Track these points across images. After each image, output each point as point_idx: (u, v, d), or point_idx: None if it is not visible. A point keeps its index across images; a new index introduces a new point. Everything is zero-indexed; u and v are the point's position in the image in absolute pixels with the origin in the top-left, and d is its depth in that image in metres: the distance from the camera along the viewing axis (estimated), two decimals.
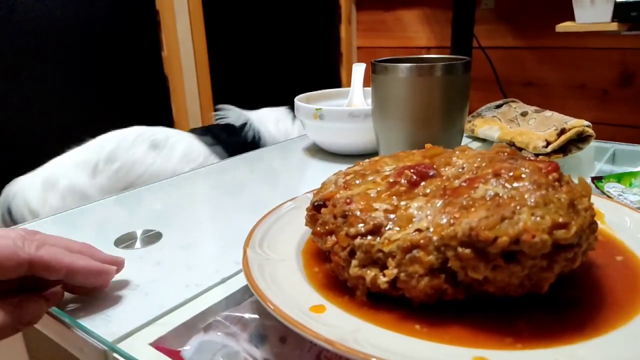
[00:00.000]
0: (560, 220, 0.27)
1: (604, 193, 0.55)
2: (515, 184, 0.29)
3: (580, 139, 0.65)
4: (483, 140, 0.76)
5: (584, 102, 1.63)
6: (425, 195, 0.32)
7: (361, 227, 0.31)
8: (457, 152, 0.37)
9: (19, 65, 1.16)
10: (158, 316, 0.35)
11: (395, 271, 0.30)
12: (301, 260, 0.37)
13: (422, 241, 0.29)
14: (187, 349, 0.33)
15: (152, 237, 0.47)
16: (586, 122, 0.65)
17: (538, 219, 0.27)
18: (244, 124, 1.08)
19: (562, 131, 0.64)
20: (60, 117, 1.25)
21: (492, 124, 0.74)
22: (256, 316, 0.35)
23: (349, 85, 0.83)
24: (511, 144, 0.68)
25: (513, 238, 0.26)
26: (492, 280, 0.28)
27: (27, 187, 0.80)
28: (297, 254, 0.38)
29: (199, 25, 1.52)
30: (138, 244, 0.46)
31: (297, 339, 0.32)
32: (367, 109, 0.66)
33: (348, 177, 0.37)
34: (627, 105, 1.56)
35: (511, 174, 0.30)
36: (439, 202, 0.31)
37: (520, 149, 0.66)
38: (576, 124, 0.64)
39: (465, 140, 0.77)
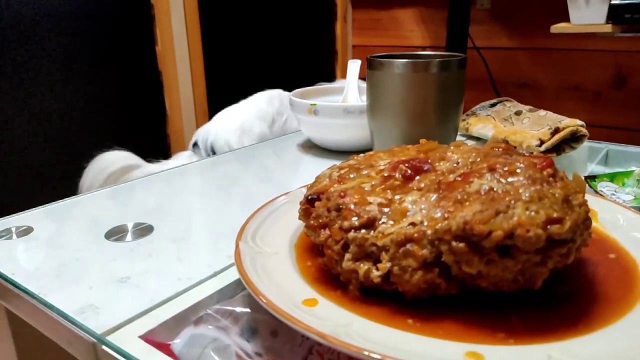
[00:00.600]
0: (555, 215, 0.27)
1: (597, 192, 0.55)
2: (510, 179, 0.29)
3: (573, 139, 0.66)
4: (477, 138, 0.76)
5: (578, 104, 1.63)
6: (419, 189, 0.32)
7: (355, 220, 0.31)
8: (452, 147, 0.37)
9: (10, 59, 1.14)
10: (148, 309, 0.34)
11: (388, 265, 0.29)
12: (294, 254, 0.37)
13: (416, 235, 0.29)
14: (177, 342, 0.32)
15: (143, 230, 0.46)
16: (580, 122, 0.65)
17: (532, 213, 0.26)
18: None
19: (556, 130, 0.64)
20: (52, 111, 1.24)
21: (487, 122, 0.74)
22: (247, 310, 0.34)
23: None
24: (505, 142, 0.68)
25: (507, 232, 0.26)
26: (486, 275, 0.28)
27: (226, 131, 1.07)
28: (290, 248, 0.37)
29: (193, 21, 1.51)
30: (129, 236, 0.45)
31: (289, 332, 0.32)
32: (362, 105, 0.65)
33: (342, 171, 0.37)
34: (620, 107, 1.56)
35: (506, 168, 0.30)
36: (434, 197, 0.31)
37: (514, 148, 0.66)
38: (570, 123, 0.64)
39: (459, 139, 0.77)
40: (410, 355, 0.25)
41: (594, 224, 0.39)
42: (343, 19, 2.03)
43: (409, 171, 0.34)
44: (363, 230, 0.31)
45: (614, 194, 0.55)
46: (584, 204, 0.29)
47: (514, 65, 1.71)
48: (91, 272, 0.39)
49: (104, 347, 0.31)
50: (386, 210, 0.31)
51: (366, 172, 0.36)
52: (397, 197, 0.32)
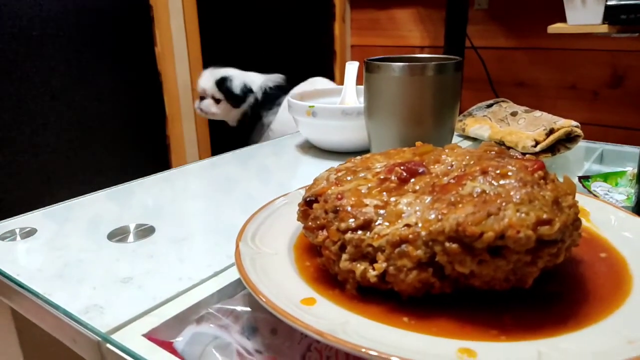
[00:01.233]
0: (545, 216, 0.28)
1: (590, 192, 0.56)
2: (501, 181, 0.30)
3: (568, 139, 0.67)
4: (474, 139, 0.77)
5: (575, 103, 1.64)
6: (414, 191, 0.33)
7: (352, 222, 0.32)
8: (446, 150, 0.38)
9: (10, 60, 1.15)
10: (151, 308, 0.35)
11: (384, 265, 0.30)
12: (293, 255, 0.37)
13: (410, 236, 0.30)
14: (179, 340, 0.33)
15: (145, 231, 0.47)
16: (575, 123, 0.66)
17: (523, 215, 0.27)
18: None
19: (551, 131, 0.65)
20: (51, 113, 1.25)
21: (483, 123, 0.75)
22: (248, 309, 0.35)
23: (342, 83, 0.84)
24: (501, 143, 0.69)
25: (498, 233, 0.27)
26: (478, 275, 0.29)
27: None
28: (289, 249, 0.38)
29: (192, 22, 1.52)
30: (131, 237, 0.46)
31: (288, 330, 0.33)
32: (360, 106, 0.66)
33: (340, 174, 0.38)
34: (616, 106, 1.57)
35: (498, 171, 0.31)
36: (428, 199, 0.32)
37: (510, 149, 0.67)
38: (565, 124, 0.65)
39: (456, 139, 0.78)
40: (405, 351, 0.26)
41: (586, 223, 0.40)
42: (341, 20, 2.04)
43: (405, 174, 0.35)
44: (360, 232, 0.32)
45: (607, 194, 0.56)
46: (573, 205, 0.30)
47: (512, 64, 1.72)
48: (94, 273, 0.40)
49: (108, 345, 0.32)
50: (382, 212, 0.32)
51: (363, 174, 0.37)
52: (392, 199, 0.33)
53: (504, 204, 0.28)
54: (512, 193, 0.29)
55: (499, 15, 1.71)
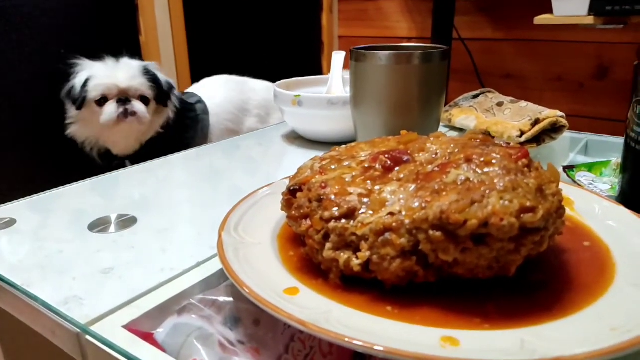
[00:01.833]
0: (528, 204, 0.27)
1: (575, 182, 0.56)
2: (485, 169, 0.30)
3: (553, 130, 0.67)
4: (460, 129, 0.77)
5: (561, 94, 1.65)
6: (399, 180, 0.33)
7: (335, 210, 0.32)
8: (431, 139, 0.37)
9: None
10: (132, 299, 0.35)
11: (368, 254, 0.30)
12: (276, 245, 0.37)
13: (394, 224, 0.29)
14: (160, 332, 0.33)
15: (126, 222, 0.46)
16: (560, 113, 0.66)
17: (506, 202, 0.27)
18: None
19: (536, 121, 0.65)
20: (33, 103, 1.23)
21: (469, 113, 0.75)
22: (230, 299, 0.35)
23: (329, 74, 0.83)
24: (487, 133, 0.69)
25: (482, 221, 0.27)
26: (462, 263, 0.29)
27: None
28: (273, 238, 0.38)
29: (177, 11, 1.49)
30: (112, 228, 0.45)
31: (271, 321, 0.33)
32: (346, 96, 0.66)
33: (324, 162, 0.37)
34: (602, 97, 1.59)
35: (482, 159, 0.31)
36: (412, 187, 0.31)
37: (495, 138, 0.67)
38: (550, 114, 0.66)
39: (442, 130, 0.78)
40: (389, 340, 0.25)
41: (570, 212, 0.40)
42: (329, 10, 2.03)
43: (389, 162, 0.34)
44: (343, 220, 0.31)
45: (591, 184, 0.56)
46: (557, 193, 0.30)
47: (499, 56, 1.72)
48: (75, 264, 0.39)
49: (87, 337, 0.32)
50: (366, 200, 0.32)
51: (347, 163, 0.36)
52: (376, 187, 0.33)
53: (487, 191, 0.28)
54: (495, 181, 0.29)
55: (486, 7, 1.70)
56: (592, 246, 0.36)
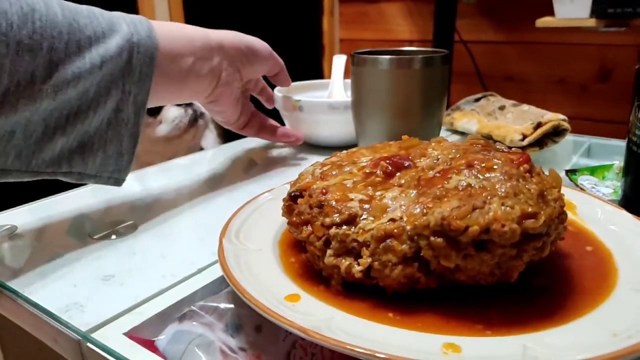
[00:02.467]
0: (530, 210, 0.27)
1: (577, 185, 0.56)
2: (487, 175, 0.30)
3: (556, 133, 0.66)
4: (462, 133, 0.77)
5: (563, 97, 1.65)
6: (400, 185, 0.33)
7: (336, 217, 0.31)
8: (432, 144, 0.37)
9: None
10: (133, 306, 0.34)
11: (369, 260, 0.30)
12: (277, 251, 0.37)
13: (395, 230, 0.29)
14: (161, 339, 0.33)
15: (127, 228, 0.46)
16: (562, 116, 0.66)
17: (508, 208, 0.27)
18: None
19: (539, 125, 0.65)
20: None
21: (471, 117, 0.75)
22: (231, 306, 0.35)
23: (330, 77, 0.83)
24: (489, 137, 0.69)
25: (483, 227, 0.27)
26: (463, 269, 0.29)
27: None
28: (274, 245, 0.38)
29: (178, 11, 1.50)
30: (113, 234, 0.45)
31: (272, 328, 0.33)
32: (347, 100, 0.66)
33: (325, 168, 0.37)
34: (605, 100, 1.58)
35: (483, 165, 0.31)
36: (413, 193, 0.31)
37: (497, 142, 0.67)
38: (552, 117, 0.65)
39: (444, 133, 0.78)
40: (390, 347, 0.25)
41: (572, 217, 0.40)
42: (330, 13, 2.03)
43: (390, 168, 0.34)
44: (344, 227, 0.31)
45: (594, 187, 0.56)
46: (559, 198, 0.30)
47: (500, 58, 1.72)
48: (75, 271, 0.39)
49: (89, 344, 0.32)
50: (367, 206, 0.32)
51: (348, 168, 0.36)
52: (377, 193, 0.32)
53: (489, 197, 0.28)
54: (497, 186, 0.29)
55: (488, 10, 1.70)
56: (595, 251, 0.36)
